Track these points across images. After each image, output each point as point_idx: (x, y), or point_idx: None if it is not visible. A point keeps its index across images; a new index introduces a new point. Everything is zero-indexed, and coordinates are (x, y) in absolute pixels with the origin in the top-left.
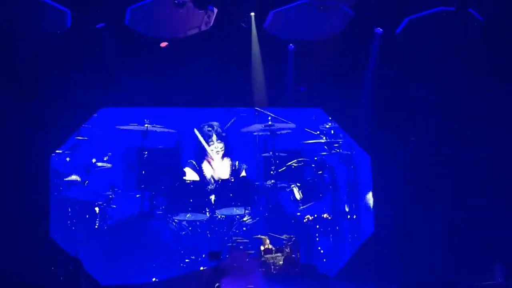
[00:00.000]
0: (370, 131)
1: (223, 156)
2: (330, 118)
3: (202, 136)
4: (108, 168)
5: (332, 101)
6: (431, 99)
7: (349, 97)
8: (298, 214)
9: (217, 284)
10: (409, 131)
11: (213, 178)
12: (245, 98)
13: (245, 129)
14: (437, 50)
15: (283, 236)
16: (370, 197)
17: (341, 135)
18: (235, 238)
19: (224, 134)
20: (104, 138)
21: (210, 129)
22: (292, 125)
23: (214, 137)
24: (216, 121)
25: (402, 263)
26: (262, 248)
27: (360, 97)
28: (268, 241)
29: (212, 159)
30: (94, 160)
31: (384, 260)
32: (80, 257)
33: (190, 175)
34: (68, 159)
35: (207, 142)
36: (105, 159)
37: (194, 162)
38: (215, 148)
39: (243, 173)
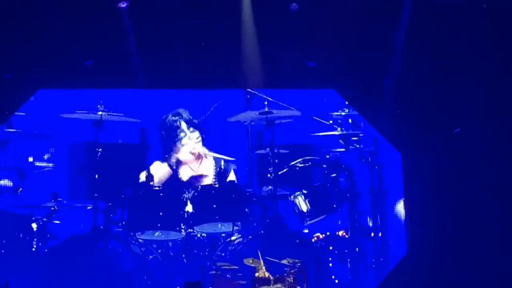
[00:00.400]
0: (400, 120)
1: (201, 154)
2: (346, 102)
3: (166, 130)
4: (49, 170)
5: (349, 81)
6: (477, 82)
7: (372, 74)
8: (305, 231)
9: None
10: (452, 122)
11: (190, 183)
12: (233, 77)
13: (233, 118)
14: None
15: (285, 261)
16: (400, 209)
17: (361, 125)
18: (220, 264)
19: (196, 121)
20: (44, 130)
21: (176, 117)
22: (296, 113)
23: (184, 126)
24: (187, 109)
25: None
26: (256, 276)
27: (386, 75)
28: (264, 267)
29: (187, 158)
30: (30, 159)
31: None
32: None
33: (159, 178)
34: None
35: (175, 137)
36: (45, 157)
37: (163, 163)
38: (189, 140)
39: (231, 177)
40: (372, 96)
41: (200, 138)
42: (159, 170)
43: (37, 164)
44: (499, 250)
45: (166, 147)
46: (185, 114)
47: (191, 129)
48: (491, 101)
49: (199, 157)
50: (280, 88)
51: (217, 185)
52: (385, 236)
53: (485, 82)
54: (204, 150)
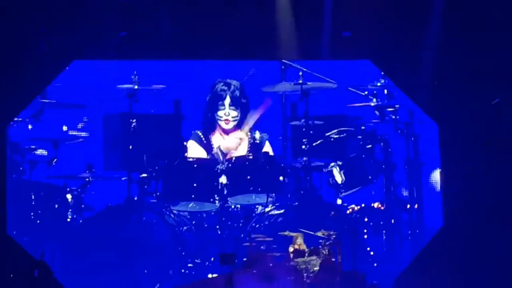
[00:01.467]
0: (438, 91)
1: (235, 128)
2: (382, 73)
3: (212, 96)
4: (84, 142)
5: (386, 51)
6: None
7: (408, 45)
8: (340, 203)
9: None
10: (490, 92)
11: (225, 155)
12: (268, 48)
13: (268, 88)
14: None
15: (320, 233)
16: (437, 180)
17: (397, 96)
18: (255, 235)
19: (244, 101)
20: (79, 100)
21: (225, 88)
22: (332, 84)
23: (228, 101)
24: (235, 80)
25: (480, 269)
26: (291, 249)
27: (424, 45)
28: (299, 239)
29: (223, 130)
30: (65, 128)
31: (457, 265)
32: (48, 261)
33: (194, 151)
34: (30, 128)
35: (217, 105)
36: (79, 127)
37: (200, 134)
38: (224, 115)
39: (266, 148)
40: (408, 67)
41: (237, 119)
42: (195, 147)
43: (71, 133)
44: None
45: (206, 112)
46: (235, 89)
47: (233, 107)
48: None
49: (232, 132)
50: (315, 59)
51: (251, 157)
52: (420, 208)
53: None
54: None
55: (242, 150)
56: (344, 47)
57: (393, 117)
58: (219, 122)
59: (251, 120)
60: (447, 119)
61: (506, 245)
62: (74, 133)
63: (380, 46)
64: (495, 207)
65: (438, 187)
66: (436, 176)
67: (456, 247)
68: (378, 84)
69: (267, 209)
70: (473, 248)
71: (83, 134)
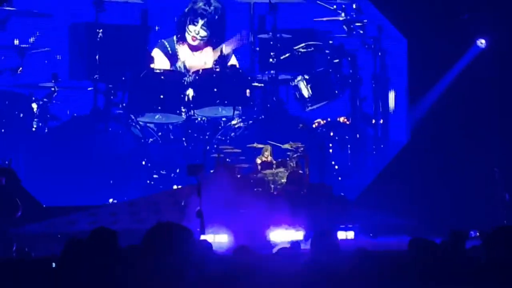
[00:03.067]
0: (408, 5)
1: (202, 46)
2: None
3: (190, 9)
4: (50, 51)
5: None
6: None
7: None
8: (306, 116)
9: (197, 208)
10: (461, 6)
11: (187, 70)
12: None
13: None
14: None
15: (287, 146)
16: (401, 95)
17: (366, 11)
18: (222, 147)
19: (220, 26)
20: (44, 9)
21: (206, 8)
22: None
23: (202, 21)
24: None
25: (442, 185)
26: (258, 161)
27: None
28: (267, 152)
29: (189, 45)
30: (31, 40)
31: (420, 180)
32: (14, 168)
33: (161, 61)
34: None
35: (192, 20)
36: (44, 38)
37: (166, 43)
38: (193, 32)
39: (232, 61)
40: None
41: (205, 39)
42: (161, 58)
43: (37, 41)
44: (499, 136)
45: (179, 22)
46: (215, 13)
47: (204, 27)
48: None
49: (201, 46)
50: None
51: (218, 70)
52: (386, 124)
53: None
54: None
55: (208, 63)
56: None
57: (361, 32)
58: (187, 35)
59: (225, 49)
60: (416, 34)
61: (468, 161)
62: (38, 42)
63: None
64: (460, 123)
65: (404, 103)
66: (399, 92)
67: (419, 162)
68: None
69: (233, 122)
70: (436, 164)
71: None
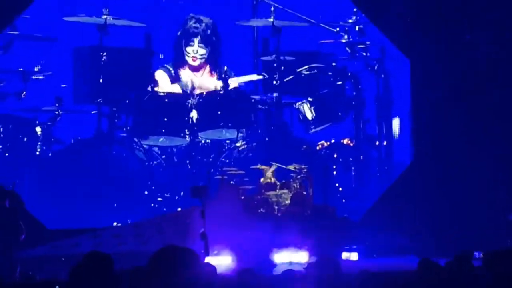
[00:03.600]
0: (410, 26)
1: (203, 65)
2: (355, 10)
3: (182, 32)
4: (53, 75)
5: None
6: None
7: None
8: (310, 137)
9: (201, 230)
10: (463, 27)
11: (194, 88)
12: None
13: (242, 22)
14: None
15: (291, 167)
16: (404, 116)
17: (368, 33)
18: (226, 169)
19: (215, 39)
20: (48, 33)
21: (197, 25)
22: (304, 23)
23: (197, 39)
24: (207, 16)
25: (447, 205)
26: (262, 181)
27: None
28: (270, 173)
29: (190, 66)
30: (37, 69)
31: (424, 201)
32: (18, 191)
33: (164, 85)
34: None
35: (187, 41)
36: (47, 62)
37: (170, 68)
38: (192, 53)
39: (235, 82)
40: (382, 1)
41: (204, 56)
42: (165, 81)
43: (41, 66)
44: (506, 159)
45: (175, 47)
46: (206, 27)
47: (202, 45)
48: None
49: (201, 66)
50: None
51: (222, 92)
52: (390, 145)
53: None
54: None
55: (212, 85)
56: None
57: (364, 54)
58: (187, 58)
59: (233, 82)
60: (419, 54)
61: (473, 182)
62: (42, 66)
63: None
64: (465, 146)
65: (407, 125)
66: (402, 116)
67: (423, 184)
68: (350, 21)
69: (237, 144)
70: (439, 186)
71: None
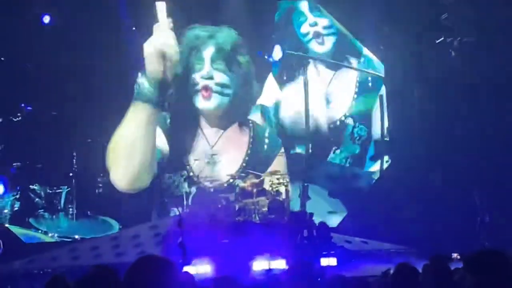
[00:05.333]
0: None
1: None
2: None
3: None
4: None
5: None
6: None
7: None
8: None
9: (179, 239)
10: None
11: None
12: None
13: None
14: None
15: (267, 174)
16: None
17: None
18: (202, 177)
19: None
20: None
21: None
22: None
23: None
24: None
25: (423, 209)
26: (238, 190)
27: None
28: (248, 181)
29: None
30: None
31: (401, 204)
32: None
33: None
34: None
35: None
36: None
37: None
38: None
39: None
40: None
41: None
42: None
43: None
44: (478, 158)
45: None
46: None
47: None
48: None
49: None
50: None
51: None
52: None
53: None
54: None
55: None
56: None
57: None
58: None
59: None
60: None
61: (448, 184)
62: None
63: None
64: (439, 146)
65: None
66: None
67: (400, 186)
68: None
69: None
70: (416, 188)
71: None
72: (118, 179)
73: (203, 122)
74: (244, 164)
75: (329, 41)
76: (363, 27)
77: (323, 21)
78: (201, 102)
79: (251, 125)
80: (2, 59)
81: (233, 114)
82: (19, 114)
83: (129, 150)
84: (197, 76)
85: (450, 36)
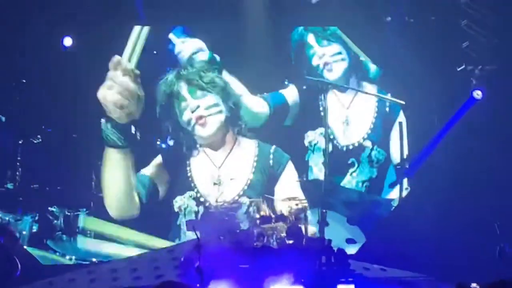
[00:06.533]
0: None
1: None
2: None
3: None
4: None
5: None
6: None
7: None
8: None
9: (197, 264)
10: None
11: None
12: None
13: None
14: None
15: (286, 199)
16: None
17: None
18: (220, 202)
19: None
20: None
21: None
22: None
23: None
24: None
25: (444, 238)
26: (257, 215)
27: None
28: (266, 206)
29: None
30: None
31: (420, 233)
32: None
33: None
34: None
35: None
36: None
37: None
38: (189, 114)
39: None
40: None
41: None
42: None
43: None
44: (498, 188)
45: None
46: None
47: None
48: None
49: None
50: None
51: None
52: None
53: None
54: None
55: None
56: None
57: None
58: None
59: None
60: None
61: (469, 214)
62: None
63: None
64: (458, 176)
65: None
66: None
67: (420, 214)
68: None
69: None
70: (436, 216)
71: None
72: (107, 206)
73: (206, 148)
74: (249, 182)
75: (340, 67)
76: (381, 52)
77: (331, 49)
78: (199, 130)
79: (255, 143)
80: (24, 81)
81: (232, 129)
82: (39, 136)
83: (106, 184)
84: (187, 114)
85: (471, 64)
